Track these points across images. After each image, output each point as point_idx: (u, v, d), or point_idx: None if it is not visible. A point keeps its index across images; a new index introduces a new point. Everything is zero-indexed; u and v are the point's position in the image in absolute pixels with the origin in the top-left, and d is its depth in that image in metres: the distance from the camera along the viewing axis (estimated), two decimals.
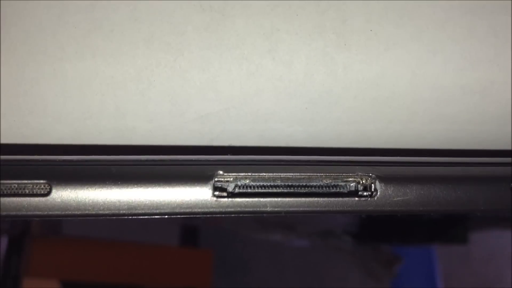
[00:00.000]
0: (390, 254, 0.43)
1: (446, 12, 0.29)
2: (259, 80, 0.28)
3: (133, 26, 0.27)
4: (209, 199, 0.23)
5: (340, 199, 0.24)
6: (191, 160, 0.24)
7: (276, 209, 0.23)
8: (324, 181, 0.24)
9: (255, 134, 0.28)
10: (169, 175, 0.23)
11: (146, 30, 0.27)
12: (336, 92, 0.28)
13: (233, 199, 0.23)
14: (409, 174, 0.24)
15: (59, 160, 0.23)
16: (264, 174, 0.24)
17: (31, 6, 0.27)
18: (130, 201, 0.23)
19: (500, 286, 0.43)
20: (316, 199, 0.24)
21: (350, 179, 0.24)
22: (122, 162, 0.23)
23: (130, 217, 0.23)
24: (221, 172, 0.23)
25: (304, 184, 0.24)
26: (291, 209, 0.23)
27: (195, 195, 0.23)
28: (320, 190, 0.24)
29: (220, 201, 0.23)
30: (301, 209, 0.23)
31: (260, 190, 0.23)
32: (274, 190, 0.23)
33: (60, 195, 0.22)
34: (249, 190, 0.23)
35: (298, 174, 0.24)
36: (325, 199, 0.24)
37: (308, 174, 0.24)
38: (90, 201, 0.22)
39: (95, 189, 0.23)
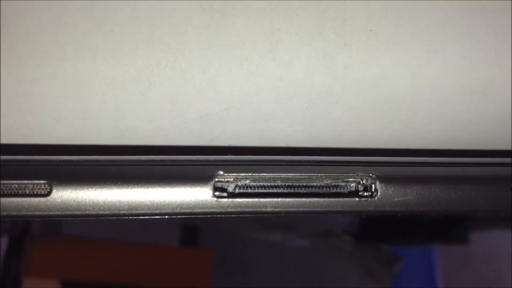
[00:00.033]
0: (390, 254, 0.43)
1: (446, 12, 0.29)
2: (259, 80, 0.28)
3: (133, 26, 0.27)
4: (209, 200, 0.23)
5: (341, 199, 0.24)
6: (192, 160, 0.24)
7: (276, 209, 0.23)
8: (325, 181, 0.24)
9: (255, 134, 0.28)
10: (170, 175, 0.23)
11: (146, 30, 0.27)
12: (336, 92, 0.28)
13: (234, 200, 0.23)
14: (410, 174, 0.24)
15: (59, 160, 0.23)
16: (265, 174, 0.23)
17: (31, 6, 0.27)
18: (130, 201, 0.23)
19: (500, 286, 0.43)
20: (316, 199, 0.24)
21: (351, 179, 0.24)
22: (123, 162, 0.23)
23: (131, 217, 0.23)
24: (221, 172, 0.23)
25: (304, 184, 0.24)
26: (291, 209, 0.23)
27: (196, 195, 0.23)
28: (321, 191, 0.24)
29: (221, 201, 0.23)
30: (301, 209, 0.23)
31: (260, 191, 0.23)
32: (275, 190, 0.23)
33: (60, 195, 0.22)
34: (249, 191, 0.23)
35: (299, 174, 0.24)
36: (326, 199, 0.24)
37: (309, 174, 0.24)
38: (91, 201, 0.22)
39: (96, 189, 0.23)
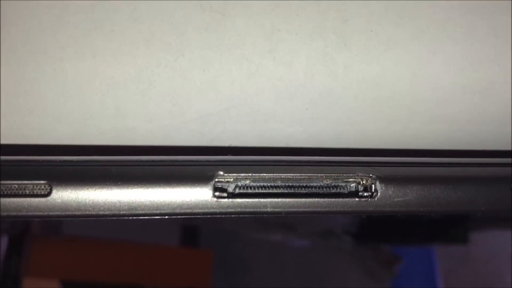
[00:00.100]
0: (390, 254, 0.43)
1: (446, 12, 0.29)
2: (259, 80, 0.28)
3: (133, 26, 0.27)
4: (209, 200, 0.23)
5: (341, 199, 0.24)
6: (192, 161, 0.24)
7: (276, 209, 0.23)
8: (325, 181, 0.24)
9: (256, 134, 0.28)
10: (170, 175, 0.23)
11: (146, 30, 0.27)
12: (337, 92, 0.28)
13: (234, 200, 0.23)
14: (410, 174, 0.24)
15: (60, 161, 0.23)
16: (265, 174, 0.23)
17: (31, 6, 0.27)
18: (130, 201, 0.23)
19: (500, 286, 0.43)
20: (316, 199, 0.24)
21: (351, 179, 0.24)
22: (123, 163, 0.23)
23: (131, 217, 0.23)
24: (221, 173, 0.23)
25: (304, 184, 0.24)
26: (291, 209, 0.23)
27: (196, 196, 0.23)
28: (321, 191, 0.24)
29: (221, 201, 0.23)
30: (301, 209, 0.23)
31: (260, 191, 0.23)
32: (275, 190, 0.23)
33: (60, 196, 0.22)
34: (249, 191, 0.23)
35: (299, 174, 0.24)
36: (326, 199, 0.24)
37: (309, 174, 0.24)
38: (91, 201, 0.22)
39: (96, 189, 0.23)
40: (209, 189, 0.23)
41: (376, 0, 0.28)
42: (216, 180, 0.23)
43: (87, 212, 0.23)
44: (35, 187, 0.22)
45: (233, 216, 0.23)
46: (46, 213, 0.22)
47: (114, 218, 0.23)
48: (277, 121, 0.28)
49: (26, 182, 0.22)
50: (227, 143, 0.28)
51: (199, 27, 0.28)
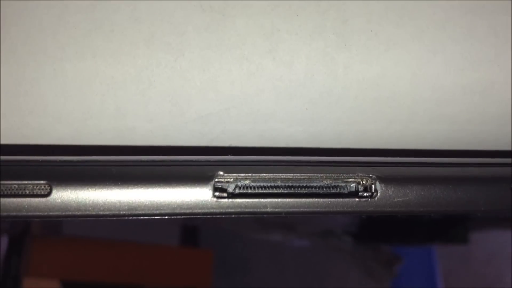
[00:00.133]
0: (390, 254, 0.43)
1: (446, 12, 0.29)
2: (259, 80, 0.28)
3: (133, 26, 0.27)
4: (209, 200, 0.23)
5: (341, 199, 0.24)
6: (192, 161, 0.24)
7: (276, 209, 0.23)
8: (325, 181, 0.24)
9: (256, 135, 0.28)
10: (170, 175, 0.23)
11: (146, 30, 0.27)
12: (337, 92, 0.28)
13: (234, 200, 0.23)
14: (410, 174, 0.24)
15: (59, 161, 0.23)
16: (265, 174, 0.23)
17: (31, 6, 0.27)
18: (130, 201, 0.23)
19: (500, 286, 0.43)
20: (316, 199, 0.24)
21: (351, 179, 0.24)
22: (123, 163, 0.23)
23: (131, 217, 0.23)
24: (221, 173, 0.23)
25: (304, 184, 0.24)
26: (291, 209, 0.23)
27: (196, 196, 0.23)
28: (321, 191, 0.24)
29: (221, 201, 0.23)
30: (301, 209, 0.23)
31: (260, 191, 0.23)
32: (275, 190, 0.23)
33: (60, 196, 0.22)
34: (249, 191, 0.23)
35: (299, 174, 0.24)
36: (326, 199, 0.24)
37: (309, 174, 0.24)
38: (91, 201, 0.22)
39: (96, 189, 0.22)
40: (209, 189, 0.23)
41: (376, 0, 0.28)
42: (216, 180, 0.23)
43: (87, 212, 0.23)
44: (35, 187, 0.22)
45: (233, 216, 0.23)
46: (46, 213, 0.22)
47: (114, 218, 0.23)
48: (277, 121, 0.28)
49: (26, 182, 0.22)
50: (227, 143, 0.28)
51: (199, 27, 0.28)
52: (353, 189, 0.24)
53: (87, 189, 0.22)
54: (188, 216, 0.23)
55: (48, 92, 0.27)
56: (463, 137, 0.29)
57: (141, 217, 0.23)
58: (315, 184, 0.24)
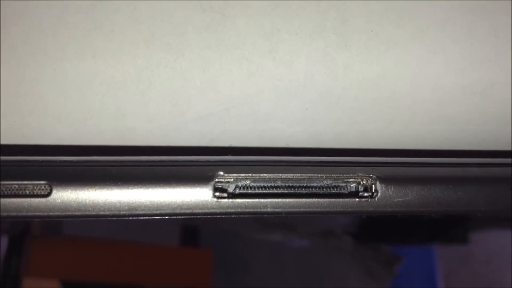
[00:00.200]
0: (390, 254, 0.43)
1: (446, 12, 0.29)
2: (259, 80, 0.28)
3: (133, 26, 0.27)
4: (209, 200, 0.23)
5: (341, 199, 0.24)
6: (192, 161, 0.24)
7: (276, 210, 0.23)
8: (325, 181, 0.24)
9: (256, 135, 0.28)
10: (170, 176, 0.23)
11: (146, 30, 0.27)
12: (337, 93, 0.28)
13: (234, 200, 0.23)
14: (410, 174, 0.24)
15: (60, 161, 0.23)
16: (265, 175, 0.23)
17: (31, 6, 0.27)
18: (130, 202, 0.23)
19: (500, 287, 0.43)
20: (316, 199, 0.24)
21: (351, 179, 0.24)
22: (123, 163, 0.23)
23: (131, 218, 0.23)
24: (221, 173, 0.23)
25: (304, 185, 0.24)
26: (291, 210, 0.23)
27: (196, 196, 0.23)
28: (321, 191, 0.24)
29: (221, 202, 0.23)
30: (301, 210, 0.23)
31: (260, 191, 0.23)
32: (275, 191, 0.23)
33: (60, 196, 0.22)
34: (249, 191, 0.23)
35: (299, 174, 0.24)
36: (326, 199, 0.24)
37: (309, 174, 0.24)
38: (91, 202, 0.22)
39: (96, 190, 0.22)
40: (209, 189, 0.23)
41: (376, 0, 0.28)
42: (216, 180, 0.23)
43: (87, 213, 0.23)
44: (35, 187, 0.22)
45: (233, 216, 0.23)
46: (46, 214, 0.22)
47: (114, 218, 0.23)
48: (277, 121, 0.28)
49: (26, 182, 0.22)
50: (227, 143, 0.28)
51: (199, 27, 0.28)
52: (354, 189, 0.24)
53: (87, 189, 0.22)
54: (188, 216, 0.23)
55: (48, 92, 0.27)
56: (463, 137, 0.29)
57: (141, 217, 0.23)
58: (315, 184, 0.24)
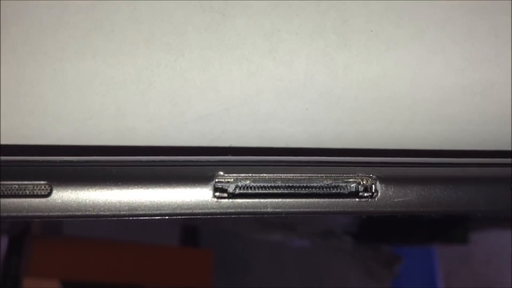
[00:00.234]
0: (390, 254, 0.43)
1: (446, 12, 0.29)
2: (259, 81, 0.28)
3: (133, 26, 0.27)
4: (209, 200, 0.23)
5: (341, 200, 0.24)
6: (192, 161, 0.24)
7: (276, 210, 0.23)
8: (325, 182, 0.24)
9: (256, 135, 0.28)
10: (170, 176, 0.23)
11: (146, 31, 0.27)
12: (337, 93, 0.28)
13: (234, 200, 0.23)
14: (410, 175, 0.24)
15: (60, 161, 0.23)
16: (265, 175, 0.23)
17: (31, 6, 0.27)
18: (130, 202, 0.23)
19: (500, 287, 0.43)
20: (316, 200, 0.24)
21: (351, 180, 0.24)
22: (123, 163, 0.23)
23: (131, 218, 0.23)
24: (221, 173, 0.23)
25: (304, 185, 0.24)
26: (291, 210, 0.23)
27: (196, 196, 0.23)
28: (321, 191, 0.24)
29: (221, 202, 0.23)
30: (301, 210, 0.23)
31: (260, 191, 0.23)
32: (275, 191, 0.23)
33: (60, 196, 0.22)
34: (249, 191, 0.23)
35: (299, 175, 0.24)
36: (326, 200, 0.24)
37: (309, 175, 0.24)
38: (91, 202, 0.22)
39: (96, 190, 0.22)
40: (209, 190, 0.23)
41: (376, 0, 0.28)
42: (216, 180, 0.23)
43: (88, 213, 0.23)
44: (35, 187, 0.22)
45: (233, 216, 0.23)
46: (46, 214, 0.22)
47: (115, 218, 0.23)
48: (277, 121, 0.28)
49: (26, 182, 0.22)
50: (227, 144, 0.28)
51: (199, 27, 0.28)
52: (354, 189, 0.24)
53: (88, 189, 0.22)
54: (188, 217, 0.23)
55: (48, 92, 0.27)
56: (463, 137, 0.29)
57: (142, 218, 0.23)
58: (315, 184, 0.24)
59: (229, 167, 0.23)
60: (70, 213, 0.22)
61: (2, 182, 0.22)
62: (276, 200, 0.23)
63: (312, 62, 0.28)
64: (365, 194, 0.24)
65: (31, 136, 0.27)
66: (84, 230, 0.39)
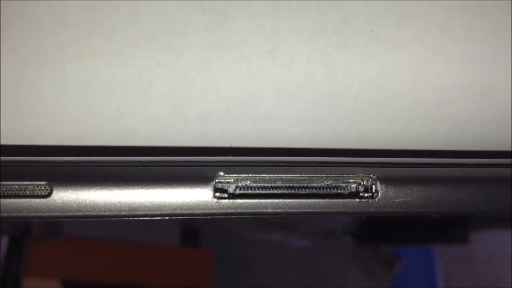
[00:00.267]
0: (390, 254, 0.43)
1: (446, 13, 0.29)
2: (259, 81, 0.28)
3: (133, 26, 0.27)
4: (210, 200, 0.23)
5: (341, 200, 0.24)
6: (192, 161, 0.24)
7: (277, 210, 0.23)
8: (325, 182, 0.24)
9: (256, 135, 0.28)
10: (170, 176, 0.23)
11: (146, 31, 0.27)
12: (337, 93, 0.28)
13: (234, 200, 0.23)
14: (410, 175, 0.24)
15: (60, 161, 0.23)
16: (265, 175, 0.23)
17: (31, 6, 0.27)
18: (131, 202, 0.23)
19: (500, 287, 0.43)
20: (317, 200, 0.23)
21: (351, 180, 0.24)
22: (123, 163, 0.23)
23: (131, 218, 0.23)
24: (222, 173, 0.23)
25: (305, 185, 0.24)
26: (292, 210, 0.23)
27: (196, 196, 0.23)
28: (321, 191, 0.24)
29: (221, 202, 0.23)
30: (302, 210, 0.23)
31: (261, 191, 0.23)
32: (275, 191, 0.23)
33: (60, 197, 0.22)
34: (250, 191, 0.23)
35: (299, 175, 0.24)
36: (326, 200, 0.24)
37: (309, 175, 0.24)
38: (91, 202, 0.22)
39: (96, 190, 0.22)
40: (210, 190, 0.23)
41: (376, 0, 0.28)
42: (217, 180, 0.23)
43: (88, 213, 0.23)
44: (35, 188, 0.22)
45: (233, 216, 0.23)
46: (46, 214, 0.22)
47: (115, 219, 0.23)
48: (278, 121, 0.28)
49: (26, 183, 0.22)
50: (227, 144, 0.28)
51: (199, 28, 0.28)
52: (354, 190, 0.24)
53: (88, 189, 0.22)
54: (188, 217, 0.23)
55: (48, 93, 0.27)
56: (463, 138, 0.29)
57: (142, 218, 0.23)
58: (315, 185, 0.24)
59: (230, 167, 0.23)
60: (70, 214, 0.22)
61: (2, 183, 0.22)
62: (277, 200, 0.23)
63: (312, 63, 0.28)
64: (366, 195, 0.24)
65: (31, 136, 0.27)
66: (84, 230, 0.39)
